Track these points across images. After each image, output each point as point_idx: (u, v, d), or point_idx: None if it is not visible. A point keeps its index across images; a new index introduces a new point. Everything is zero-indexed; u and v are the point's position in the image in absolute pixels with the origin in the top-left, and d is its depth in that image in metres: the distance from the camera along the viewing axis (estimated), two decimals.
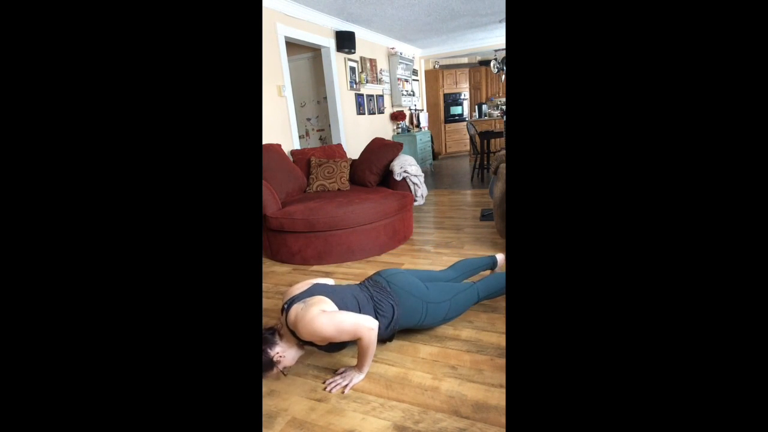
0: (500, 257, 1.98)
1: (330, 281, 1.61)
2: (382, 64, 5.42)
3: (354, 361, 1.47)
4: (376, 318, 1.43)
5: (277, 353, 1.30)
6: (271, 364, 1.28)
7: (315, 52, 4.56)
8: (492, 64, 5.59)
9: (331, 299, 1.36)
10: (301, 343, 1.34)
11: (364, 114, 5.00)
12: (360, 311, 1.40)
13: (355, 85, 4.73)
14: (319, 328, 1.25)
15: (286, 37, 3.59)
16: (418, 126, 6.31)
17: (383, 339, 1.53)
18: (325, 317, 1.27)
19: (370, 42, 5.03)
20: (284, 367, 1.33)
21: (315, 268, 2.52)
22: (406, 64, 5.93)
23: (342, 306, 1.36)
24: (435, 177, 5.72)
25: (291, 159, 3.32)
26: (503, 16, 4.75)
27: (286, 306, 1.36)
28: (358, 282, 1.68)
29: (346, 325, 1.27)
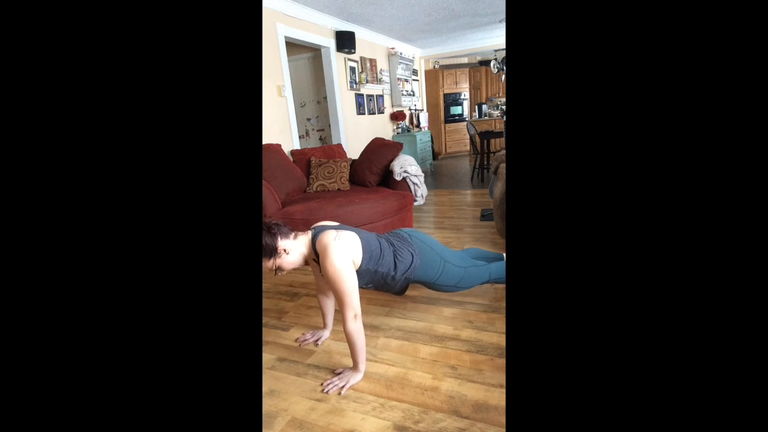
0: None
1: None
2: (382, 64, 5.41)
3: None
4: (395, 263, 1.47)
5: (284, 247, 1.32)
6: (273, 252, 1.29)
7: (315, 52, 4.56)
8: (492, 64, 5.59)
9: (360, 238, 1.40)
10: (312, 257, 1.38)
11: (364, 114, 5.00)
12: (381, 254, 1.44)
13: (355, 85, 4.73)
14: (334, 262, 1.27)
15: (286, 37, 3.59)
16: (418, 126, 6.31)
17: (396, 291, 1.56)
18: (344, 264, 1.28)
19: (370, 42, 5.03)
20: (278, 267, 1.34)
21: None
22: (406, 64, 5.93)
23: (366, 245, 1.40)
24: (435, 177, 5.72)
25: (291, 159, 3.32)
26: (503, 16, 4.75)
27: (314, 230, 1.39)
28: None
29: (343, 285, 1.28)
